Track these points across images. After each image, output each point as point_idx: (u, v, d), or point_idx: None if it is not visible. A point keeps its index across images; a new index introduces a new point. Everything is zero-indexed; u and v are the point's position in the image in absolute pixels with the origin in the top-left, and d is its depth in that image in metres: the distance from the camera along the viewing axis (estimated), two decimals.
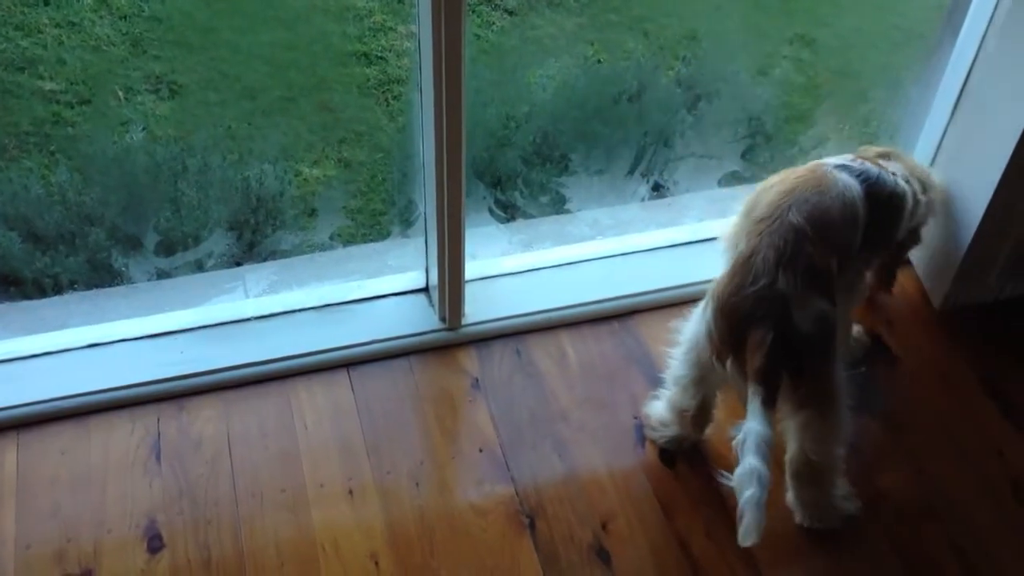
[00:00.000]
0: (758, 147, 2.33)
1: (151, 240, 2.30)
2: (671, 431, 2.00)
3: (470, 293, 2.24)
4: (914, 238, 2.13)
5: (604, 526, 1.92)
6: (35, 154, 2.33)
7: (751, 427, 1.63)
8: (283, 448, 2.02)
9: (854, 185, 1.80)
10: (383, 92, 2.54)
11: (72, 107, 2.38)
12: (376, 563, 1.86)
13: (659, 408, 2.01)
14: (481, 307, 2.25)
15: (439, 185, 1.96)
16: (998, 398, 2.13)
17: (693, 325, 1.84)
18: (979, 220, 2.09)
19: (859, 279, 1.97)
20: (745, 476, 1.60)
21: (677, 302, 2.24)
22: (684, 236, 2.38)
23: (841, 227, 1.76)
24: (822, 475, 1.85)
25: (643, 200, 2.35)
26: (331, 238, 2.35)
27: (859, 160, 1.86)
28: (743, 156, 2.26)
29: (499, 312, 2.25)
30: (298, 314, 2.23)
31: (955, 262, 2.19)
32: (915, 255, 2.31)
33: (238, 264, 2.29)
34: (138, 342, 2.16)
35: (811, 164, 1.85)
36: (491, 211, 2.32)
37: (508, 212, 2.32)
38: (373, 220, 2.45)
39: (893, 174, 1.89)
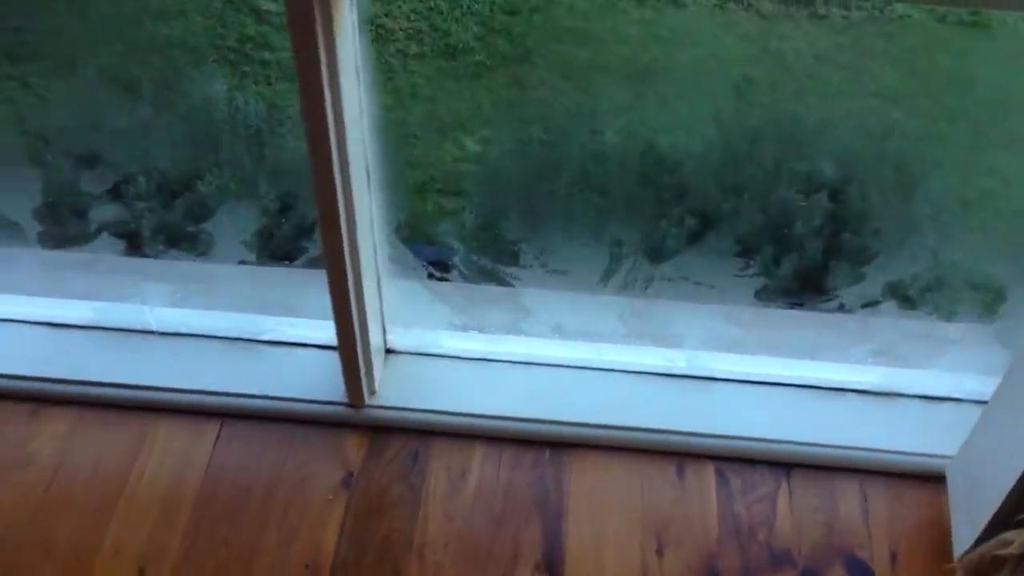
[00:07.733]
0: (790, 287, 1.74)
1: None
2: None
3: (395, 368, 1.88)
4: None
5: None
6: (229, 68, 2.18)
7: None
8: (104, 495, 1.76)
9: None
10: None
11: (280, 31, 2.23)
12: None
13: None
14: (404, 388, 1.88)
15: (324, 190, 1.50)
16: None
17: None
18: None
19: None
20: None
21: (632, 447, 1.79)
22: (675, 366, 1.89)
23: None
24: None
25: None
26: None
27: None
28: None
29: (420, 401, 1.87)
30: (201, 340, 1.95)
31: (995, 504, 1.59)
32: (954, 483, 1.72)
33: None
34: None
35: None
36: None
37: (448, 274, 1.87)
38: None
39: None
